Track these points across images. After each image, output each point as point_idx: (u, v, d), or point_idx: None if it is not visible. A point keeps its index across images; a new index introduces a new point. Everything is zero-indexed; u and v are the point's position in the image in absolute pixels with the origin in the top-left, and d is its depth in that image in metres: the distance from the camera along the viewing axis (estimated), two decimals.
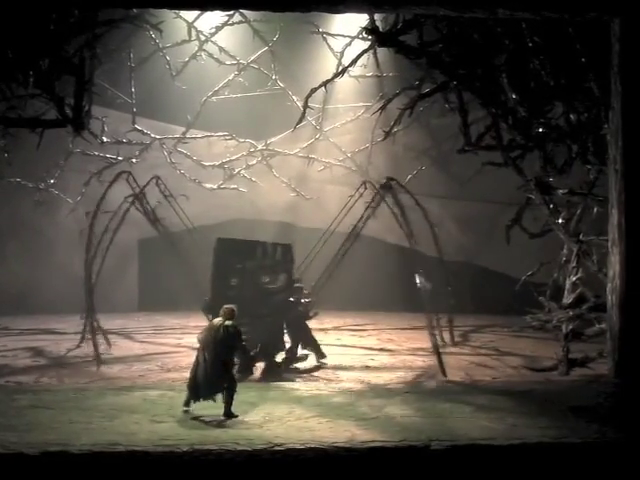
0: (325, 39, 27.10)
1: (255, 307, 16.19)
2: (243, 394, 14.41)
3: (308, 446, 10.74)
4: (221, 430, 11.55)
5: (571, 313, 17.55)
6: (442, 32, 18.30)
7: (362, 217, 18.89)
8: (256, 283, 16.72)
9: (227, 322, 12.92)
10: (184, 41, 26.49)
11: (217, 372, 12.59)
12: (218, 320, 13.07)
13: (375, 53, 23.93)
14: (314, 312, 18.29)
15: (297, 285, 17.91)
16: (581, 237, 18.09)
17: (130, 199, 19.58)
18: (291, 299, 17.45)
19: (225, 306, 13.38)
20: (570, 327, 17.45)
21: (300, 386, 15.73)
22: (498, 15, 15.73)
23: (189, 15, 25.47)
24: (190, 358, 16.27)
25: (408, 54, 18.45)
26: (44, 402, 13.38)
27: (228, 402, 12.51)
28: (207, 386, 12.63)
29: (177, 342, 21.38)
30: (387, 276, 28.99)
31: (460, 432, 11.49)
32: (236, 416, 12.38)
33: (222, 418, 12.31)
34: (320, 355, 18.18)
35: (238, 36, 27.13)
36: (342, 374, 16.68)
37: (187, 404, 12.79)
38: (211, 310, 16.52)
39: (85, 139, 20.42)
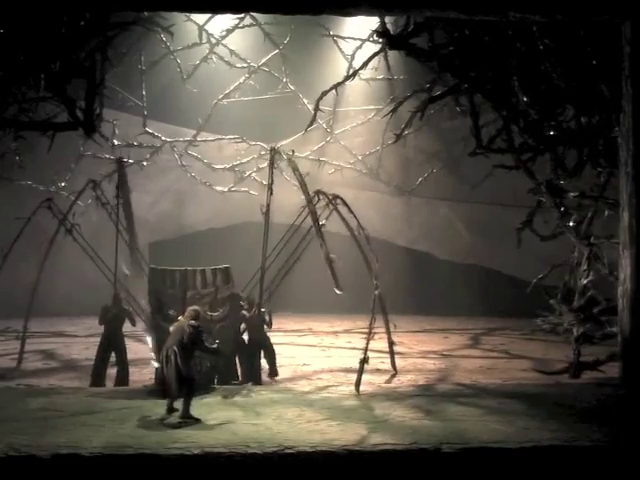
0: (336, 42, 27.14)
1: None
2: (254, 397, 14.46)
3: (319, 449, 10.74)
4: (232, 433, 11.55)
5: (582, 316, 17.53)
6: (453, 35, 18.29)
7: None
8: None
9: (190, 322, 13.06)
10: (195, 44, 26.55)
11: (178, 372, 12.66)
12: (182, 321, 13.23)
13: (386, 56, 23.99)
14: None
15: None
16: (592, 240, 18.07)
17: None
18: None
19: (190, 308, 13.57)
20: (581, 330, 17.43)
21: (311, 389, 15.75)
22: (509, 18, 15.72)
23: (200, 18, 25.52)
24: None
25: (419, 57, 18.44)
26: (55, 405, 13.41)
27: (186, 404, 12.54)
28: (175, 386, 12.70)
29: None
30: (397, 279, 28.98)
31: (471, 435, 11.48)
32: (196, 420, 12.35)
33: (180, 421, 12.31)
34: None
35: (249, 39, 27.20)
36: (353, 377, 16.65)
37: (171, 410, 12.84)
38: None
39: (96, 142, 20.49)
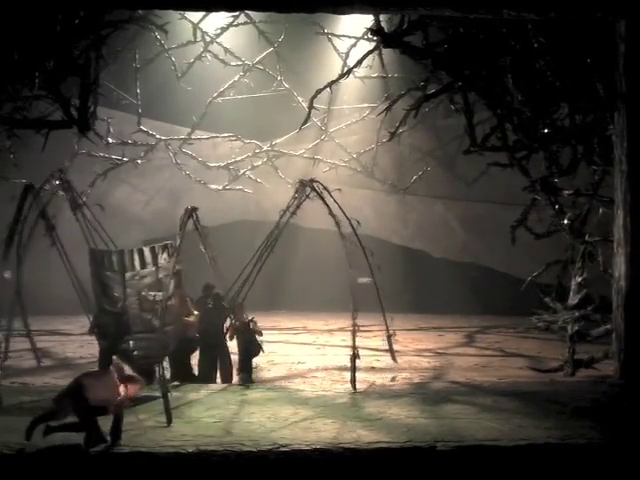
0: (330, 40, 27.13)
1: (144, 320, 14.95)
2: (249, 395, 14.45)
3: (313, 447, 10.75)
4: (226, 431, 11.56)
5: (577, 314, 17.55)
6: (447, 33, 18.29)
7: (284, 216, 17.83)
8: (141, 294, 15.08)
9: None
10: (189, 42, 26.51)
11: None
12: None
13: (380, 54, 23.94)
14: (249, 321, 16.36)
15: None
16: (586, 238, 18.08)
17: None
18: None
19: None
20: (575, 328, 17.45)
21: (306, 387, 15.75)
22: (503, 16, 15.72)
23: (194, 16, 25.48)
24: (194, 359, 16.37)
25: (413, 55, 18.43)
26: (49, 403, 13.39)
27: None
28: None
29: None
30: (392, 277, 28.98)
31: (466, 433, 11.49)
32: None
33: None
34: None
35: (243, 37, 27.17)
36: (347, 375, 16.66)
37: None
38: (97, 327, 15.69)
39: (90, 140, 20.42)
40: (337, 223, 16.85)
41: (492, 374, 17.49)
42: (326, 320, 28.10)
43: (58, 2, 16.11)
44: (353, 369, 15.40)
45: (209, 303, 16.59)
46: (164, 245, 15.45)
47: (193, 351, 16.34)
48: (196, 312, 15.94)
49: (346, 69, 22.44)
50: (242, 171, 30.36)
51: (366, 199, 32.66)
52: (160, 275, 15.13)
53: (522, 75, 17.99)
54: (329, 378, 16.95)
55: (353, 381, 15.23)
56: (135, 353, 14.95)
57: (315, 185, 17.17)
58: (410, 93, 20.98)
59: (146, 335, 14.84)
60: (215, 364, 16.47)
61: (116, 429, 10.84)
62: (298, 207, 17.13)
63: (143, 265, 15.22)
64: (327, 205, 16.96)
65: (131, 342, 14.99)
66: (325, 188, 17.29)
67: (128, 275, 15.11)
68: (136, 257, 15.23)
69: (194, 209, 15.60)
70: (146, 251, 15.30)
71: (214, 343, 16.30)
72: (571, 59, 17.53)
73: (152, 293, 15.03)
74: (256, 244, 17.46)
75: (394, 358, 17.87)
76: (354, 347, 15.70)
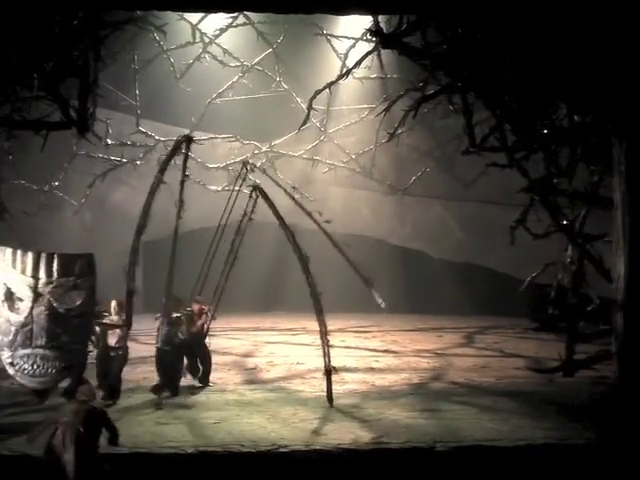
0: (329, 41, 27.11)
1: (52, 334, 13.56)
2: (248, 396, 14.45)
3: (313, 448, 10.76)
4: (226, 432, 11.56)
5: (575, 314, 17.53)
6: (446, 34, 18.29)
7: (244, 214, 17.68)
8: (52, 305, 13.68)
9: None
10: (188, 43, 26.50)
11: None
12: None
13: (379, 55, 23.98)
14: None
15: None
16: (585, 238, 18.07)
17: None
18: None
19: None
20: (574, 328, 17.44)
21: (305, 388, 15.74)
22: (501, 16, 15.73)
23: (193, 17, 25.48)
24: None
25: (412, 55, 18.42)
26: (48, 404, 13.38)
27: None
28: None
29: None
30: (391, 278, 29.00)
31: (465, 433, 11.50)
32: None
33: None
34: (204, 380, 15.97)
35: (242, 38, 27.15)
36: (347, 376, 16.66)
37: None
38: None
39: (89, 141, 20.43)
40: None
41: (491, 374, 17.48)
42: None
43: (57, 3, 16.12)
44: (329, 385, 14.52)
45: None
46: (87, 255, 14.39)
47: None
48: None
49: (345, 70, 22.43)
50: (241, 172, 30.31)
51: (364, 199, 32.68)
52: (77, 287, 13.94)
53: (520, 75, 18.00)
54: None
55: (330, 397, 14.14)
56: (19, 369, 13.72)
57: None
58: (409, 94, 20.97)
59: (44, 352, 13.59)
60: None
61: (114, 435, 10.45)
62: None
63: (63, 273, 13.91)
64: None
65: (19, 356, 13.68)
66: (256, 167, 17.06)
67: (42, 282, 13.78)
68: (55, 264, 13.93)
69: (190, 139, 15.43)
70: (69, 258, 14.13)
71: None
72: (569, 59, 17.54)
73: (65, 306, 13.81)
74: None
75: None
76: (329, 358, 14.78)
